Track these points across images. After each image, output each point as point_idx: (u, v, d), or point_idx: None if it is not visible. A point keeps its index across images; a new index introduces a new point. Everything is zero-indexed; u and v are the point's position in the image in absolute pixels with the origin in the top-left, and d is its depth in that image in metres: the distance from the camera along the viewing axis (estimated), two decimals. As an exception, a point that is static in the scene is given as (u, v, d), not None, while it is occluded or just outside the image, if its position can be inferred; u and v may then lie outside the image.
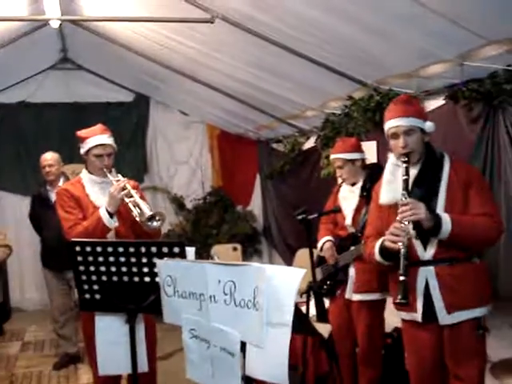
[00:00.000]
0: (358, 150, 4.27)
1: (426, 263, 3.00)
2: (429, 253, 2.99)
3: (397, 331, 4.92)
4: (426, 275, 2.99)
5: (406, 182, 2.98)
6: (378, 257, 3.09)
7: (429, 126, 3.06)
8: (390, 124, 3.10)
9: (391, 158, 3.22)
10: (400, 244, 2.84)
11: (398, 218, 2.89)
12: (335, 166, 4.31)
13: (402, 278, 2.83)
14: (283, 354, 2.04)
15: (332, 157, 4.35)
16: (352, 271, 4.14)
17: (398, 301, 2.86)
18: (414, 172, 3.07)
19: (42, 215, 5.69)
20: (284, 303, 2.03)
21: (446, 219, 2.87)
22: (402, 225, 2.86)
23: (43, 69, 8.13)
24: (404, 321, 3.19)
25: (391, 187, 3.11)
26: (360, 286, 4.09)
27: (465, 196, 2.98)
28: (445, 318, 2.97)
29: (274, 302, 2.04)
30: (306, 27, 4.37)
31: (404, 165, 3.01)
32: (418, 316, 3.04)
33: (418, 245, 3.01)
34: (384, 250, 3.02)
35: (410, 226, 2.89)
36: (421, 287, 3.01)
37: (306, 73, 5.20)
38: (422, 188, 3.04)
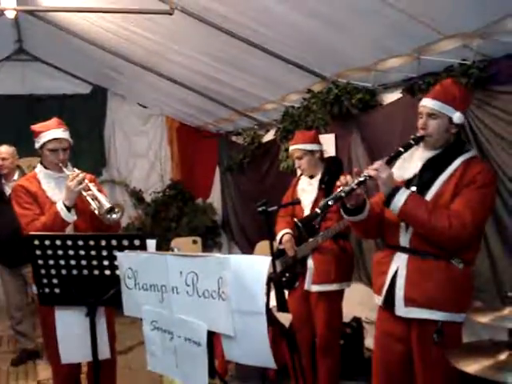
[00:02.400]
0: (317, 141, 4.30)
1: (403, 249, 2.94)
2: (406, 237, 2.92)
3: (355, 321, 5.02)
4: (399, 262, 2.94)
5: (397, 152, 2.88)
6: (342, 213, 3.03)
7: (458, 116, 2.84)
8: (421, 103, 2.95)
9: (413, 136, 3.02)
10: (341, 187, 2.81)
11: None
12: (294, 157, 4.34)
13: (317, 210, 2.85)
14: (263, 339, 2.08)
15: (291, 148, 4.37)
16: (310, 263, 4.18)
17: (296, 220, 3.03)
18: (426, 155, 2.94)
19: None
20: (254, 292, 2.06)
21: (403, 193, 2.77)
22: (359, 177, 2.80)
23: (-2, 60, 7.96)
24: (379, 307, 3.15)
25: (404, 165, 3.01)
26: (318, 277, 4.13)
27: (456, 193, 2.81)
28: (400, 309, 2.92)
29: (243, 290, 2.07)
30: (265, 20, 4.39)
31: (411, 141, 2.88)
32: (380, 299, 3.04)
33: (402, 228, 2.94)
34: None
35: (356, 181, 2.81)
36: (391, 273, 2.97)
37: (266, 66, 5.23)
38: (427, 174, 2.92)
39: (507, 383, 1.94)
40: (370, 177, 2.80)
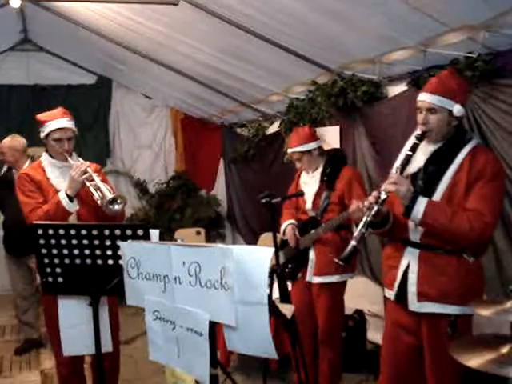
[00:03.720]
0: (313, 138, 4.26)
1: (414, 245, 2.92)
2: (417, 234, 2.90)
3: (358, 313, 5.02)
4: (410, 257, 2.93)
5: (407, 157, 2.85)
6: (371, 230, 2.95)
7: (458, 109, 2.81)
8: (419, 97, 2.90)
9: (417, 132, 2.98)
10: (367, 210, 2.78)
11: (380, 189, 2.82)
12: (293, 160, 4.32)
13: (353, 242, 2.80)
14: (264, 330, 2.09)
15: (289, 151, 4.36)
16: (312, 254, 4.19)
17: (336, 260, 2.87)
18: (430, 149, 2.90)
19: (5, 198, 5.59)
20: (256, 282, 2.06)
21: (421, 204, 2.75)
22: (380, 194, 2.78)
23: (3, 50, 7.92)
24: (386, 298, 3.15)
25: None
26: (320, 268, 4.14)
27: (469, 187, 2.78)
28: (413, 304, 2.91)
29: (245, 281, 2.07)
30: (271, 12, 4.38)
31: (414, 140, 2.85)
32: (392, 294, 3.02)
33: (411, 223, 2.90)
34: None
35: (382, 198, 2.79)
36: (402, 268, 2.95)
37: (271, 57, 5.21)
38: (433, 168, 2.89)
39: (509, 377, 1.93)
40: (389, 192, 2.79)
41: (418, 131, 2.86)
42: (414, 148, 2.85)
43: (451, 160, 2.85)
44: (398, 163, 2.87)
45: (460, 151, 2.85)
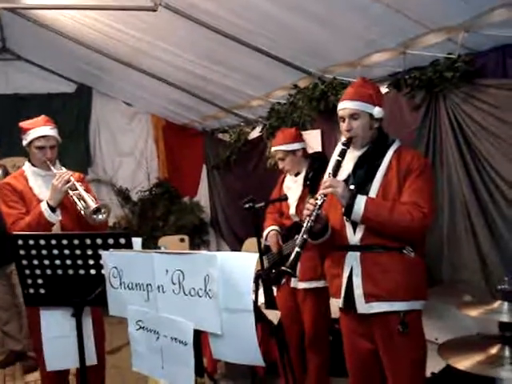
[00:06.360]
0: (298, 139, 4.28)
1: (354, 248, 2.96)
2: (357, 237, 2.95)
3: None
4: (352, 261, 2.96)
5: (337, 162, 2.96)
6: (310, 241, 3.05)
7: (377, 111, 2.99)
8: (339, 106, 3.06)
9: (341, 141, 3.13)
10: (307, 217, 2.85)
11: (316, 195, 2.91)
12: (277, 159, 4.33)
13: (297, 249, 2.84)
14: (251, 337, 2.07)
15: (273, 149, 4.37)
16: (296, 260, 4.17)
17: (284, 268, 2.88)
18: (356, 155, 3.03)
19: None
20: (241, 289, 2.04)
21: (361, 200, 2.84)
22: (317, 200, 2.87)
23: (-20, 59, 7.86)
24: (340, 308, 3.18)
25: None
26: (304, 273, 4.12)
27: (400, 184, 2.92)
28: (361, 306, 2.94)
29: (230, 288, 2.05)
30: (250, 16, 4.36)
31: (342, 146, 2.98)
32: (340, 302, 3.06)
33: (348, 228, 2.98)
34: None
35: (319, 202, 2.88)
36: (346, 273, 2.98)
37: (251, 62, 5.20)
38: (361, 171, 3.01)
39: (500, 378, 1.93)
40: (325, 195, 2.88)
41: (343, 139, 3.00)
42: (342, 154, 2.97)
43: (379, 162, 2.99)
44: (329, 169, 3.00)
45: (386, 152, 3.00)
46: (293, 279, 4.17)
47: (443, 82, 3.71)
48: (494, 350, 2.02)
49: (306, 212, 2.89)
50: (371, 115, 3.00)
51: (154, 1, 4.56)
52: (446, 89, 3.73)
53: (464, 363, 1.98)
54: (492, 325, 3.11)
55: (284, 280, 4.26)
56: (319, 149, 5.31)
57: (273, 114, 5.94)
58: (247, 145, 7.17)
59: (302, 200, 4.15)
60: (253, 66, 5.30)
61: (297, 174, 4.27)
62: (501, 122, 3.44)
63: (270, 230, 4.33)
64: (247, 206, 3.91)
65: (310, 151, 4.52)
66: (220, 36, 4.83)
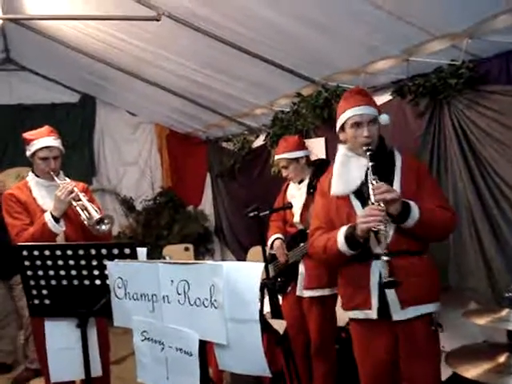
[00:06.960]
0: (301, 147, 4.28)
1: (379, 256, 2.81)
2: (382, 245, 2.80)
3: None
4: (380, 269, 2.85)
5: (373, 167, 2.86)
6: (342, 246, 2.90)
7: (384, 118, 3.01)
8: (354, 112, 2.98)
9: (341, 150, 3.13)
10: (379, 224, 2.70)
11: (372, 201, 2.78)
12: (280, 167, 4.33)
13: (385, 258, 2.69)
14: (257, 347, 2.05)
15: (276, 158, 4.36)
16: (302, 268, 4.16)
17: (386, 280, 2.69)
18: (364, 162, 2.96)
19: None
20: (247, 299, 2.02)
21: (414, 205, 2.81)
22: (379, 206, 2.74)
23: (-16, 70, 7.89)
24: (355, 321, 3.09)
25: (343, 179, 3.03)
26: (310, 282, 4.10)
27: (417, 189, 2.93)
28: (398, 313, 2.88)
29: (235, 298, 2.03)
30: (253, 25, 4.36)
31: (368, 153, 2.89)
32: (372, 313, 2.95)
33: (372, 238, 2.87)
34: (350, 238, 2.87)
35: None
36: (374, 282, 2.92)
37: (255, 70, 5.20)
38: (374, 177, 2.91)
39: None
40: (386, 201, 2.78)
41: (364, 145, 2.93)
42: (372, 158, 2.88)
43: (392, 170, 2.99)
44: (370, 175, 2.87)
45: (394, 160, 3.03)
46: (298, 288, 4.15)
47: (447, 89, 3.70)
48: (502, 359, 2.00)
49: (370, 219, 2.74)
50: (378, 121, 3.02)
51: (156, 10, 4.57)
52: (450, 95, 3.72)
53: (471, 372, 1.96)
54: (497, 333, 3.09)
55: (289, 288, 4.24)
56: (323, 157, 5.30)
57: (276, 122, 5.93)
58: (251, 153, 7.17)
59: (305, 208, 4.14)
60: (256, 74, 5.30)
61: (300, 182, 4.26)
62: (505, 128, 3.43)
63: (275, 239, 4.31)
64: (252, 214, 3.90)
65: (314, 158, 4.51)
66: (223, 45, 4.83)
